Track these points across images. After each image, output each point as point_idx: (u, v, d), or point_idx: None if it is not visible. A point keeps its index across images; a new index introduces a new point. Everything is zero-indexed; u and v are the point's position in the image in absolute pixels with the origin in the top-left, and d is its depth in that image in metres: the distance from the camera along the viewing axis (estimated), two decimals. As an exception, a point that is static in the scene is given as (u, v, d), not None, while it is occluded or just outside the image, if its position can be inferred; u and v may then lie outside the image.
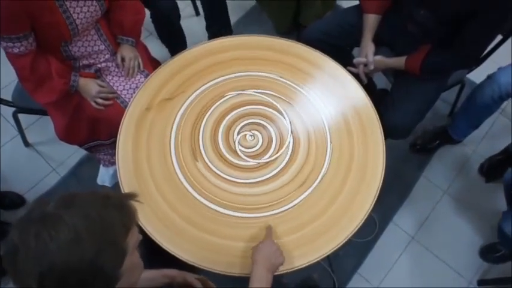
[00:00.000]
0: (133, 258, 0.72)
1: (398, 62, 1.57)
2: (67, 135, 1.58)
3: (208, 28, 2.22)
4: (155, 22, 1.94)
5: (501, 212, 1.60)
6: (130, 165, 1.25)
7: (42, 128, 2.07)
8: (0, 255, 0.66)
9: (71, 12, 1.36)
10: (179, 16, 1.95)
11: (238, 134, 1.31)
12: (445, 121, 2.04)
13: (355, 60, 1.62)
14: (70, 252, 0.63)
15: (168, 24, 1.95)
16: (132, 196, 0.73)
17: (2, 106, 1.75)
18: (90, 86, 1.51)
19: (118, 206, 0.70)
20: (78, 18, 1.39)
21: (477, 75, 1.82)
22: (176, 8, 1.90)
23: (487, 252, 1.79)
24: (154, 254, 1.08)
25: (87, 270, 0.64)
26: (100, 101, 1.51)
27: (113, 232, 0.67)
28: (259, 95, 1.38)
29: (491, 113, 1.77)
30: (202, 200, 1.20)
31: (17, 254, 0.63)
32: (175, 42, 2.06)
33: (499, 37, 1.62)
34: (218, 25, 2.19)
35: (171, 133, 1.30)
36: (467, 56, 1.49)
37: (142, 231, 1.13)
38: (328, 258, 1.74)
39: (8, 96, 1.74)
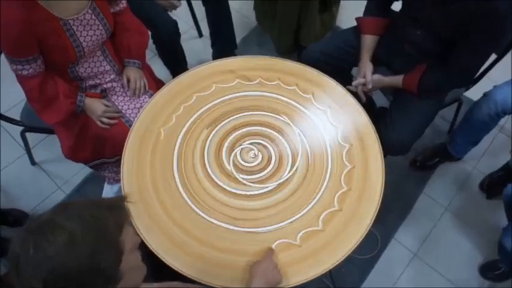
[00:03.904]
0: (133, 259, 0.75)
1: (396, 80, 1.61)
2: (73, 153, 1.62)
3: (213, 45, 2.28)
4: (156, 43, 2.00)
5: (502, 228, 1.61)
6: (134, 182, 1.27)
7: (48, 147, 2.11)
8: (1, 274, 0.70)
9: (78, 35, 1.42)
10: (179, 35, 2.00)
11: (240, 153, 1.33)
12: (444, 138, 2.07)
13: (353, 83, 1.66)
14: (67, 253, 0.66)
15: (168, 43, 2.00)
16: (123, 198, 0.77)
17: (10, 125, 1.79)
18: (96, 106, 1.55)
19: (109, 207, 0.74)
20: (84, 41, 1.44)
21: (474, 93, 1.85)
22: (176, 28, 1.96)
23: (487, 270, 1.78)
24: (158, 267, 1.10)
25: (86, 270, 0.67)
26: (105, 120, 1.55)
27: (105, 230, 0.70)
28: (261, 114, 1.41)
29: (489, 130, 1.80)
30: (204, 215, 1.22)
31: (18, 263, 0.67)
32: (176, 61, 2.11)
33: (494, 56, 1.65)
34: (223, 42, 2.25)
35: (173, 151, 1.33)
36: (463, 75, 1.52)
37: (145, 245, 1.15)
38: (331, 276, 1.74)
39: (16, 116, 1.79)
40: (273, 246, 1.17)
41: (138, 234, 1.13)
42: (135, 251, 0.77)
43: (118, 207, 0.75)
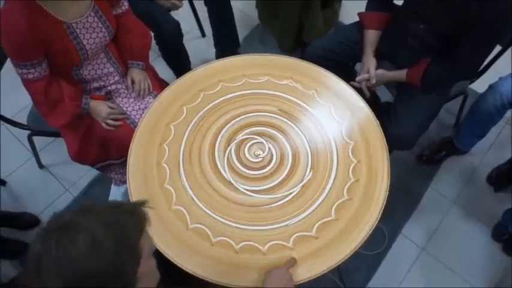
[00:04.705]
0: (149, 264, 0.77)
1: (400, 75, 1.60)
2: (79, 155, 1.63)
3: (217, 44, 2.28)
4: (159, 44, 2.01)
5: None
6: (140, 183, 1.28)
7: (55, 150, 2.13)
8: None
9: (81, 38, 1.43)
10: (182, 36, 2.01)
11: (245, 150, 1.34)
12: (450, 132, 2.06)
13: (357, 79, 1.66)
14: (89, 255, 0.67)
15: (171, 44, 2.01)
16: (142, 203, 0.78)
17: (18, 129, 1.81)
18: (100, 108, 1.56)
19: (130, 210, 0.75)
20: (88, 44, 1.45)
21: (479, 85, 1.84)
22: (179, 29, 1.96)
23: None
24: (169, 274, 1.10)
25: (106, 272, 0.68)
26: (110, 122, 1.56)
27: (127, 234, 0.71)
28: (265, 112, 1.41)
29: (495, 123, 1.79)
30: (213, 215, 1.22)
31: (40, 262, 0.67)
32: (180, 62, 2.12)
33: (499, 47, 1.64)
34: (226, 41, 2.25)
35: (180, 151, 1.34)
36: (466, 69, 1.51)
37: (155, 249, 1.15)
38: (339, 272, 1.74)
39: (23, 120, 1.81)
40: (290, 241, 1.17)
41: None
42: (151, 256, 0.78)
43: (138, 211, 0.76)
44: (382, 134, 1.35)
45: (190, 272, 1.13)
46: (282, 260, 1.13)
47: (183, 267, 1.14)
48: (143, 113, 1.48)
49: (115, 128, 1.58)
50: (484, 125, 1.81)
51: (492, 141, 2.08)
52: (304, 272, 1.13)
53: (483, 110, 1.72)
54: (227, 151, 1.33)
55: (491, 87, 1.73)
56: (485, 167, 2.02)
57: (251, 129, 1.38)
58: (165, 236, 1.18)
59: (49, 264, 0.67)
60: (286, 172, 1.29)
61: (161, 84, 1.75)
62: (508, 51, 1.68)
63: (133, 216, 0.74)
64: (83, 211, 0.71)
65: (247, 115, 1.41)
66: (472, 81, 1.81)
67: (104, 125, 1.57)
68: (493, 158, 2.04)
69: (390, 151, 1.33)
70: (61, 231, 0.68)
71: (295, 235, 1.18)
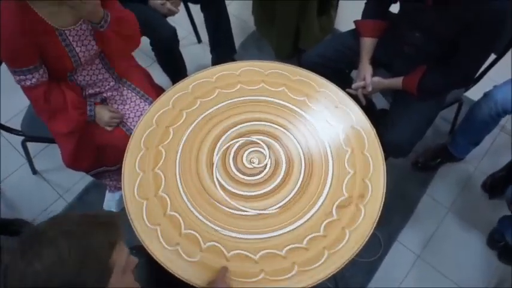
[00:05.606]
0: (124, 280, 0.74)
1: (396, 82, 1.61)
2: (74, 162, 1.61)
3: (213, 50, 2.28)
4: (155, 50, 2.01)
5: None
6: (135, 190, 1.27)
7: (49, 156, 2.11)
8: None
9: (74, 46, 1.42)
10: (178, 42, 2.01)
11: (240, 158, 1.33)
12: (445, 139, 2.06)
13: (353, 86, 1.66)
14: (52, 268, 0.66)
15: (167, 50, 2.01)
16: (118, 216, 0.77)
17: (11, 135, 1.80)
18: (102, 113, 1.56)
19: (103, 224, 0.73)
20: (80, 51, 1.44)
21: (474, 93, 1.85)
22: (175, 35, 1.96)
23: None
24: (159, 275, 1.10)
25: (70, 286, 0.67)
26: (115, 125, 1.57)
27: (95, 248, 0.70)
28: (261, 119, 1.41)
29: (490, 130, 1.80)
30: (207, 222, 1.21)
31: (6, 273, 0.68)
32: (176, 68, 2.12)
33: (494, 55, 1.65)
34: (222, 47, 2.25)
35: (175, 158, 1.33)
36: (462, 76, 1.52)
37: (148, 255, 1.15)
38: (335, 279, 1.74)
39: (17, 126, 1.79)
40: (283, 251, 1.16)
41: (147, 256, 1.13)
42: (128, 272, 0.76)
43: (112, 224, 0.74)
44: (378, 140, 1.35)
45: (186, 281, 1.12)
46: (274, 268, 1.13)
47: (175, 274, 1.13)
48: (138, 119, 1.47)
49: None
50: (479, 132, 1.82)
51: (487, 148, 2.09)
52: (298, 281, 1.12)
53: (478, 117, 1.73)
54: (219, 157, 1.33)
55: (486, 95, 1.74)
56: (480, 174, 2.03)
57: (247, 135, 1.38)
58: (159, 244, 1.17)
59: (13, 275, 0.67)
60: (279, 181, 1.29)
61: (157, 90, 1.74)
62: (503, 60, 1.69)
63: (105, 229, 0.73)
64: (54, 222, 0.71)
65: (244, 123, 1.40)
66: (466, 89, 1.82)
67: (108, 128, 1.57)
68: (487, 165, 2.05)
69: (386, 158, 1.33)
70: (27, 243, 0.68)
71: (288, 243, 1.17)
